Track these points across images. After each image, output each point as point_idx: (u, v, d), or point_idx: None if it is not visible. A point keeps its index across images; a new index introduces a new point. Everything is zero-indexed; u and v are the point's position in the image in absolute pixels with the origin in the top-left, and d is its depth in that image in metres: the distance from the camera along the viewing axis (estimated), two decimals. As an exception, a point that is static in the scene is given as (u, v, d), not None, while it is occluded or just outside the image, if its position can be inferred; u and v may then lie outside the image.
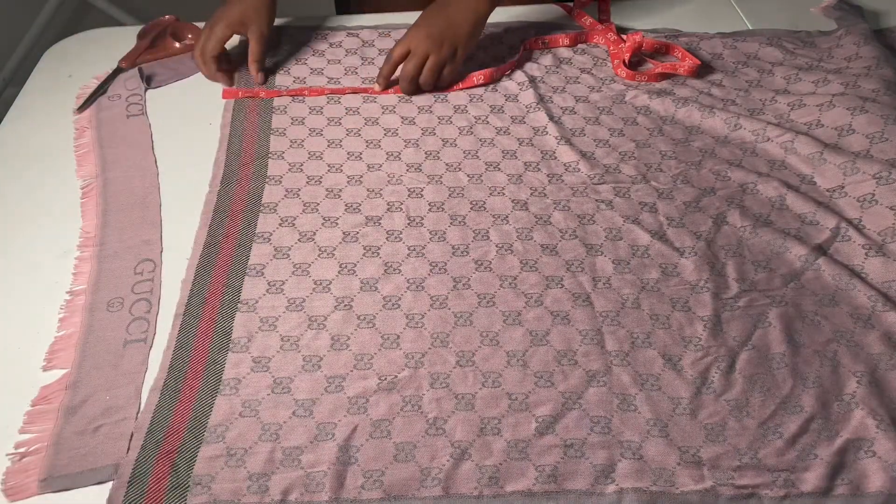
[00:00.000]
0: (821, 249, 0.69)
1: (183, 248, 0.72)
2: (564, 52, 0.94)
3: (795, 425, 0.57)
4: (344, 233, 0.72)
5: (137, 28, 1.00)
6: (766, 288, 0.67)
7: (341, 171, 0.79)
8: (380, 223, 0.73)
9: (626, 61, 0.90)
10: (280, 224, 0.73)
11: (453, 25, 0.86)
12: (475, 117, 0.85)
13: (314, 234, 0.72)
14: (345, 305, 0.66)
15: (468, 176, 0.78)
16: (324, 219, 0.74)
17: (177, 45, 0.97)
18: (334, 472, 0.55)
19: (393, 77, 0.89)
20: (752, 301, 0.66)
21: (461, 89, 0.88)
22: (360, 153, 0.81)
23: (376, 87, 0.89)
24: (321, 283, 0.68)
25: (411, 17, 0.92)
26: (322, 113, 0.86)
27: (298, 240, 0.71)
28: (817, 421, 0.58)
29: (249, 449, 0.57)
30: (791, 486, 0.54)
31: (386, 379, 0.61)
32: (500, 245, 0.71)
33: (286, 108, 0.86)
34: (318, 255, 0.70)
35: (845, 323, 0.64)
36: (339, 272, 0.69)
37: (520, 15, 1.00)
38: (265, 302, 0.66)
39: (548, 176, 0.78)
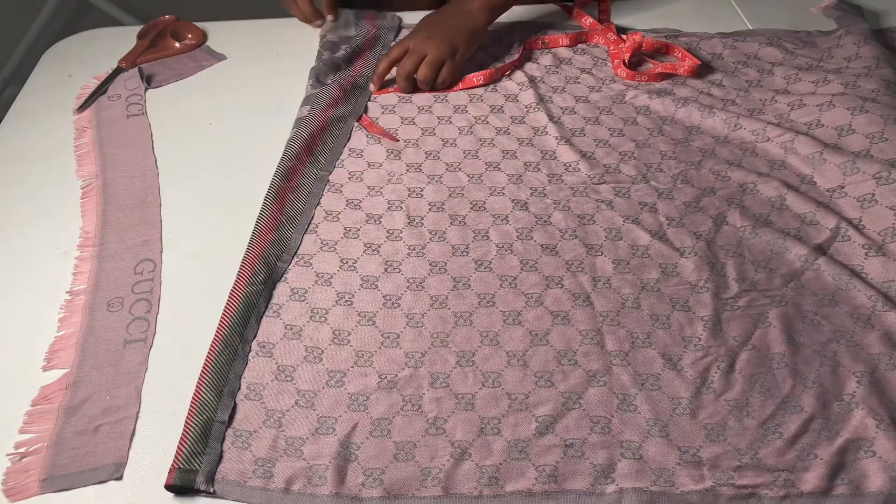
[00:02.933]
0: (821, 249, 0.69)
1: (183, 248, 0.72)
2: (564, 53, 0.94)
3: (795, 425, 0.57)
4: (346, 228, 0.72)
5: (137, 28, 1.00)
6: (766, 288, 0.67)
7: (342, 167, 0.79)
8: (380, 221, 0.73)
9: (626, 61, 0.90)
10: None
11: (451, 31, 0.87)
12: (475, 117, 0.85)
13: (317, 226, 0.73)
14: (345, 301, 0.66)
15: (468, 176, 0.78)
16: (326, 213, 0.74)
17: (177, 45, 0.97)
18: (335, 466, 0.55)
19: (388, 77, 0.89)
20: (752, 301, 0.66)
21: (461, 90, 0.88)
22: (361, 150, 0.81)
23: (371, 88, 0.89)
24: (322, 276, 0.68)
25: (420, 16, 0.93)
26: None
27: (304, 232, 0.72)
28: (817, 421, 0.57)
29: (254, 433, 0.57)
30: (791, 486, 0.54)
31: (386, 378, 0.61)
32: (500, 245, 0.71)
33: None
34: (321, 248, 0.71)
35: (845, 323, 0.64)
36: (339, 267, 0.69)
37: (520, 15, 1.00)
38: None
39: (548, 176, 0.78)
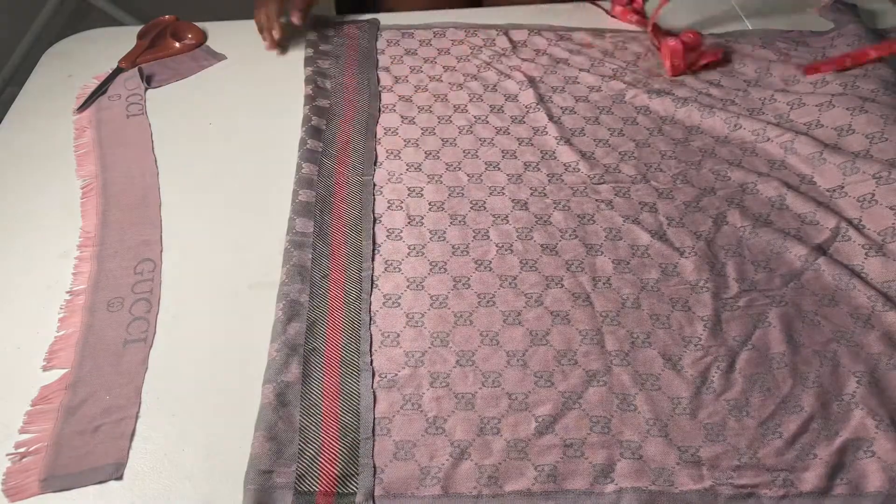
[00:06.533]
0: (821, 249, 0.69)
1: (183, 248, 0.73)
2: (562, 53, 0.94)
3: (795, 425, 0.57)
4: None
5: (137, 28, 1.00)
6: (766, 288, 0.67)
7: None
8: (380, 221, 0.73)
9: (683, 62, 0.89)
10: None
11: None
12: (475, 117, 0.85)
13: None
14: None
15: (468, 175, 0.78)
16: None
17: (177, 45, 0.97)
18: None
19: None
20: (752, 301, 0.66)
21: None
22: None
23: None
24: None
25: (427, 16, 0.95)
26: (322, 113, 0.86)
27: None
28: (817, 421, 0.58)
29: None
30: (790, 486, 0.54)
31: (385, 377, 0.61)
32: (500, 245, 0.71)
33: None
34: None
35: (845, 323, 0.64)
36: None
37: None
38: None
39: (548, 176, 0.78)
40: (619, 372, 0.61)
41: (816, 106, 0.81)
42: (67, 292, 0.69)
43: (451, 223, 0.73)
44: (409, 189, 0.76)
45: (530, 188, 0.76)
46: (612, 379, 0.61)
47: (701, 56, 0.90)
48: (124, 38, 0.98)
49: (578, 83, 0.89)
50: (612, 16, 1.00)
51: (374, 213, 0.74)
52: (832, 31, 0.93)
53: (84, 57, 0.98)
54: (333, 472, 0.55)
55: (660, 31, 0.94)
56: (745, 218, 0.72)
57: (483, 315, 0.65)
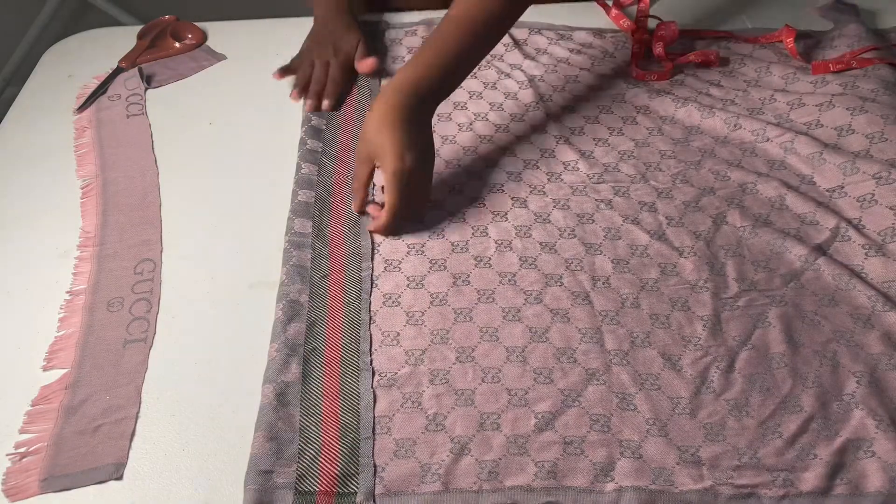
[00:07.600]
0: (821, 249, 0.69)
1: (183, 248, 0.73)
2: (563, 52, 0.94)
3: (795, 425, 0.57)
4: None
5: (137, 28, 1.00)
6: (765, 288, 0.67)
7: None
8: (380, 222, 0.73)
9: (664, 53, 0.89)
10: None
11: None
12: (474, 114, 0.85)
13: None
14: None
15: (468, 172, 0.78)
16: None
17: (177, 45, 0.98)
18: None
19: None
20: (752, 301, 0.66)
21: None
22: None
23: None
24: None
25: (431, 15, 0.95)
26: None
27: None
28: (817, 421, 0.57)
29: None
30: (790, 486, 0.54)
31: (385, 376, 0.61)
32: (500, 241, 0.71)
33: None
34: None
35: (845, 323, 0.64)
36: None
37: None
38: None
39: (547, 174, 0.78)
40: (619, 371, 0.61)
41: (816, 106, 0.81)
42: (67, 292, 0.69)
43: (450, 220, 0.73)
44: (408, 189, 0.76)
45: (530, 186, 0.76)
46: (612, 378, 0.61)
47: (685, 55, 0.90)
48: (124, 38, 0.98)
49: (579, 82, 0.89)
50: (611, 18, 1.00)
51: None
52: (832, 32, 0.93)
53: (84, 57, 0.98)
54: (334, 472, 0.55)
55: (644, 34, 0.94)
56: (744, 218, 0.72)
57: (482, 311, 0.65)
